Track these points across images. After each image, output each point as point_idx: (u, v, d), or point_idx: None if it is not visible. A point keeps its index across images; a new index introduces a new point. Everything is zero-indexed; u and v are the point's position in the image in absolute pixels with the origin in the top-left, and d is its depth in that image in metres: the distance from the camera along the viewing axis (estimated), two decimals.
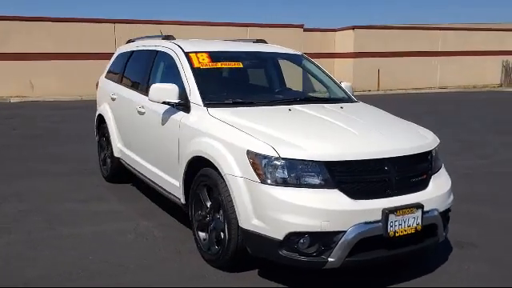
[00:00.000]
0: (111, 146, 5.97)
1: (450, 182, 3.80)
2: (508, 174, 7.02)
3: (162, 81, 4.74)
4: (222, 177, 3.57)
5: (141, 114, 4.95)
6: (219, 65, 4.69)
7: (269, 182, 3.26)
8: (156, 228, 4.65)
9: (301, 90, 5.37)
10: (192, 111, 4.13)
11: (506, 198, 5.82)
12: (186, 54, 4.59)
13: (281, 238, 3.21)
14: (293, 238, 3.19)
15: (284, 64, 5.29)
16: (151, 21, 20.00)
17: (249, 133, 3.51)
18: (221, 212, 3.67)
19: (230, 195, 3.51)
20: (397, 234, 3.29)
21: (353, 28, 26.67)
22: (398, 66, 25.36)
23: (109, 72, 6.53)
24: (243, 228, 3.40)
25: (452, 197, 3.78)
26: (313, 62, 5.28)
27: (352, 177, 3.29)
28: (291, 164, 3.25)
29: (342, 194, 3.22)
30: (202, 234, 3.97)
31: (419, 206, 3.39)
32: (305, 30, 24.93)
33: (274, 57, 5.25)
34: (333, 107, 4.32)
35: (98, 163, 6.75)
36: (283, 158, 3.25)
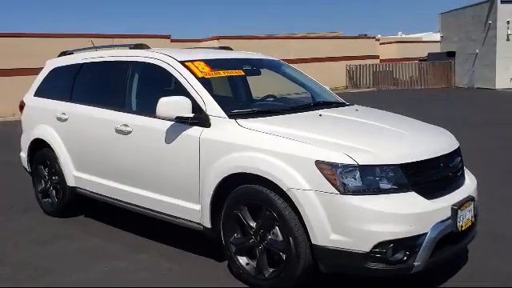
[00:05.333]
0: (62, 174, 5.13)
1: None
2: None
3: (154, 94, 4.20)
4: (279, 192, 3.29)
5: (123, 133, 4.33)
6: (222, 73, 4.33)
7: (348, 191, 3.09)
8: (164, 260, 4.10)
9: (284, 95, 5.19)
10: (214, 125, 3.74)
11: None
12: (183, 64, 4.15)
13: (367, 249, 3.06)
14: (379, 247, 3.07)
15: (263, 71, 5.07)
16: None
17: (308, 142, 3.28)
18: (275, 231, 3.38)
19: (291, 211, 3.26)
20: (462, 229, 3.38)
21: (218, 38, 27.09)
22: None
23: (42, 90, 5.61)
24: (318, 245, 3.17)
25: None
26: (293, 68, 5.17)
27: (422, 177, 3.29)
28: (369, 170, 3.13)
29: (417, 195, 3.19)
30: (242, 259, 3.60)
31: (472, 198, 3.54)
32: (172, 41, 24.65)
33: (260, 64, 5.02)
34: (351, 110, 4.29)
35: (24, 197, 5.87)
36: (361, 165, 3.11)
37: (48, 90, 5.54)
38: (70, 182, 5.08)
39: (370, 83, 34.20)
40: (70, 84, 5.20)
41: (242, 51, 5.33)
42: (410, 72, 34.82)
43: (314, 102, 4.42)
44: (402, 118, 4.28)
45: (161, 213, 4.16)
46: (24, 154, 5.76)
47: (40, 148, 5.47)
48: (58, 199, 5.34)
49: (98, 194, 4.80)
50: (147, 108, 4.29)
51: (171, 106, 3.77)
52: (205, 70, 4.13)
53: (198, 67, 4.15)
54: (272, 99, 4.81)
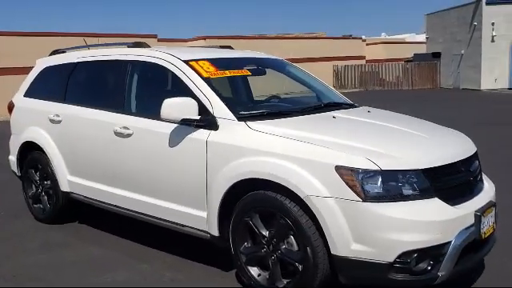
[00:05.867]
0: (55, 178, 4.87)
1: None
2: None
3: (156, 95, 4.01)
4: (294, 199, 3.10)
5: (123, 136, 4.10)
6: (228, 73, 4.12)
7: (370, 198, 2.92)
8: (167, 270, 3.89)
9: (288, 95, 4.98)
10: (222, 127, 3.53)
11: None
12: (187, 63, 3.94)
13: (391, 259, 2.89)
14: (403, 257, 2.90)
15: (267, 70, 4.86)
16: None
17: (326, 146, 3.10)
18: (290, 240, 3.20)
19: (308, 220, 3.07)
20: (485, 236, 3.23)
21: (204, 38, 26.85)
22: None
23: (33, 90, 5.34)
24: (338, 255, 2.99)
25: None
26: (297, 67, 4.99)
27: (444, 182, 3.13)
28: (392, 176, 2.96)
29: (441, 201, 3.03)
30: (253, 270, 3.41)
31: (494, 204, 3.40)
32: (159, 40, 24.32)
33: (264, 63, 4.81)
34: (363, 111, 4.12)
35: (13, 202, 5.67)
36: (383, 171, 2.94)
37: (39, 90, 5.27)
38: (64, 187, 4.83)
39: (356, 84, 34.21)
40: (64, 84, 4.94)
41: (245, 50, 5.13)
42: (396, 73, 34.92)
43: (324, 103, 4.23)
44: (418, 121, 4.12)
45: (164, 220, 3.94)
46: (13, 158, 5.48)
47: (31, 151, 5.21)
48: (50, 205, 5.08)
49: (94, 199, 4.56)
50: (149, 110, 4.09)
51: (176, 107, 3.55)
52: (210, 70, 3.93)
53: (202, 67, 3.94)
54: (277, 100, 4.62)
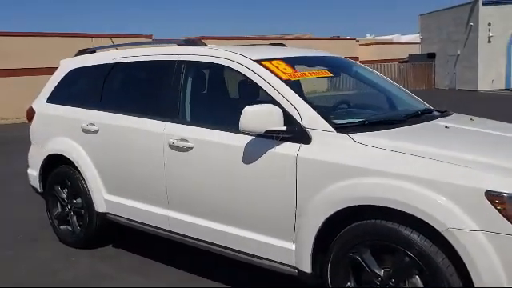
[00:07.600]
0: (89, 197, 4.20)
1: None
2: None
3: (221, 102, 3.40)
4: (425, 232, 2.50)
5: (181, 149, 3.45)
6: (308, 74, 3.49)
7: None
8: None
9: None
10: (316, 140, 2.91)
11: None
12: (260, 63, 3.31)
13: None
14: None
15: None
16: None
17: (465, 165, 2.50)
18: (414, 281, 2.60)
19: (445, 258, 2.48)
20: None
21: (200, 39, 26.15)
22: None
23: (58, 95, 4.65)
24: None
25: None
26: (365, 67, 4.39)
27: None
28: None
29: None
30: None
31: None
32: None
33: (336, 63, 4.20)
34: (466, 120, 3.53)
35: (28, 221, 5.08)
36: None
37: (66, 94, 4.60)
38: (100, 207, 4.16)
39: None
40: (99, 88, 4.26)
41: (313, 49, 4.52)
42: (390, 73, 34.61)
43: (421, 110, 3.63)
44: None
45: (235, 250, 3.30)
46: (34, 172, 4.77)
47: (56, 165, 4.53)
48: (81, 227, 4.40)
49: (139, 222, 3.89)
50: (212, 118, 3.48)
51: (261, 117, 2.92)
52: (288, 71, 3.31)
53: (278, 67, 3.32)
54: (346, 106, 4.01)
